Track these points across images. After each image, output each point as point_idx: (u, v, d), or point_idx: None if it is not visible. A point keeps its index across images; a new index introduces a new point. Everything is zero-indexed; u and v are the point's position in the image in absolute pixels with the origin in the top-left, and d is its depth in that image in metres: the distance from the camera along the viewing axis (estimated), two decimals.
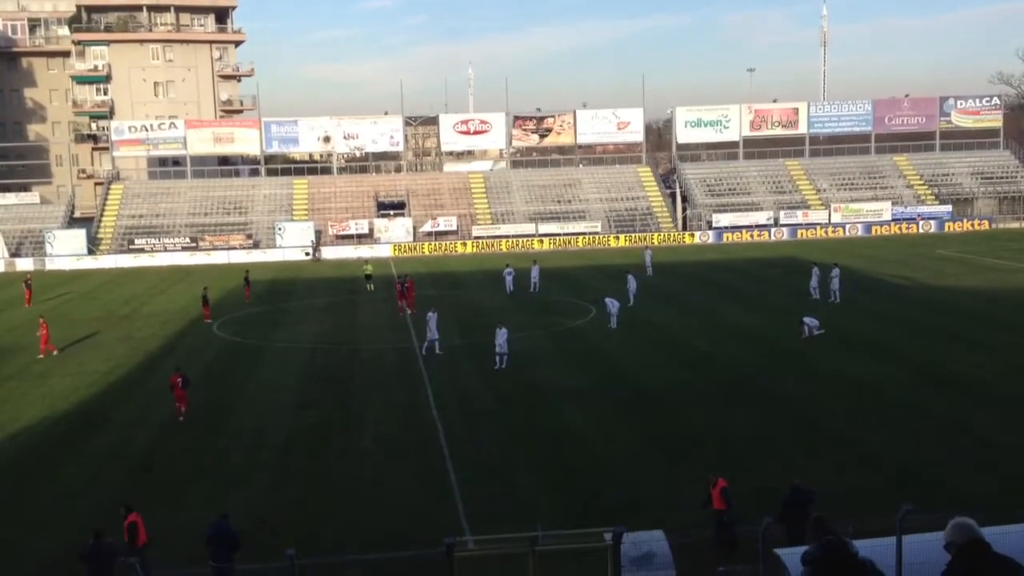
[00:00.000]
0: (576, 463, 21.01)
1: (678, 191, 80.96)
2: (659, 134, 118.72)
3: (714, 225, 74.46)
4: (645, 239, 71.87)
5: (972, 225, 74.01)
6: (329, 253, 71.42)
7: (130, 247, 72.16)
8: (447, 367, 31.59)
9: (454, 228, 75.29)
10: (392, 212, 77.13)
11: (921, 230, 72.95)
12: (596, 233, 74.02)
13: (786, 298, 43.04)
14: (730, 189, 79.83)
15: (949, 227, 73.42)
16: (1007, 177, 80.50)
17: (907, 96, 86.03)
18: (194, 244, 72.13)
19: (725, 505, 15.85)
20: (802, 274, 46.48)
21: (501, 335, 31.05)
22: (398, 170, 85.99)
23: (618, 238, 73.47)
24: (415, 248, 72.83)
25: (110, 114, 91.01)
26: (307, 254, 71.32)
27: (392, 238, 73.68)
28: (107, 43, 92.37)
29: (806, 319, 34.63)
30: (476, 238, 73.85)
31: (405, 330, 38.84)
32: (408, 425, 24.77)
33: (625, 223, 76.17)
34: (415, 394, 28.03)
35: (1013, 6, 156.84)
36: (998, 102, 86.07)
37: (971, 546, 5.79)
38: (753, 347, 32.98)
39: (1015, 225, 74.59)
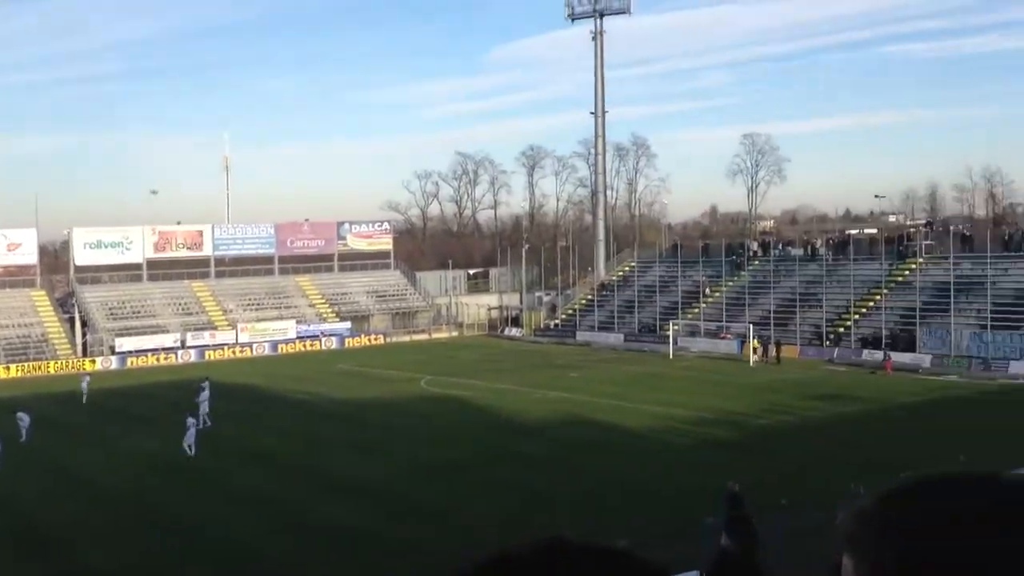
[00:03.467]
0: None
1: (77, 315, 76.43)
2: (56, 256, 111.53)
3: (117, 350, 71.31)
4: (84, 365, 66.59)
5: (370, 340, 79.42)
6: None
7: None
8: None
9: None
10: None
11: (324, 346, 76.56)
12: None
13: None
14: (134, 312, 77.27)
15: (349, 342, 78.00)
16: (398, 295, 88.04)
17: (307, 220, 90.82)
18: None
19: None
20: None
21: None
22: None
23: (8, 368, 67.05)
24: None
25: None
26: None
27: None
28: None
29: None
30: None
31: None
32: None
33: (17, 352, 69.86)
34: None
35: (401, 140, 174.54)
36: (388, 227, 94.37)
37: None
38: (156, 472, 31.80)
39: (407, 338, 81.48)
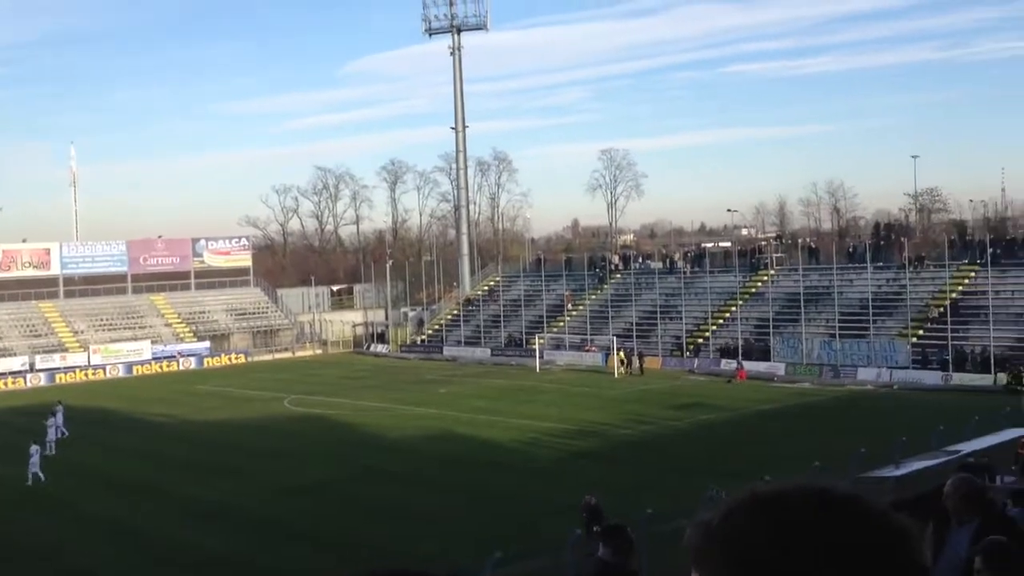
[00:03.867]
0: None
1: None
2: None
3: None
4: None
5: (230, 359, 77.50)
6: None
7: None
8: None
9: None
10: None
11: (182, 367, 74.31)
12: None
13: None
14: None
15: (208, 362, 75.94)
16: (259, 313, 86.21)
17: (161, 237, 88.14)
18: None
19: None
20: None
21: None
22: None
23: None
24: None
25: None
26: None
27: None
28: None
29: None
30: None
31: None
32: None
33: None
34: None
35: (259, 153, 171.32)
36: (246, 243, 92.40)
37: None
38: (2, 502, 30.25)
39: (268, 357, 79.80)
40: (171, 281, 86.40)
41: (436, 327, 79.47)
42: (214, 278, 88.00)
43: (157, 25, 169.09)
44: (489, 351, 71.56)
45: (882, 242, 70.80)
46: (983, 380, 47.72)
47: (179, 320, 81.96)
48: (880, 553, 1.26)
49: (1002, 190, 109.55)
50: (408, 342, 79.07)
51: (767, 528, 1.27)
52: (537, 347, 64.04)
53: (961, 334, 52.55)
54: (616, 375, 57.29)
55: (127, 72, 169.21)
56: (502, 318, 73.91)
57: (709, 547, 1.30)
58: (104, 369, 71.89)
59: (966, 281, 56.41)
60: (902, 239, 70.26)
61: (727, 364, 57.78)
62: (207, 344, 78.54)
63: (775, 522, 1.27)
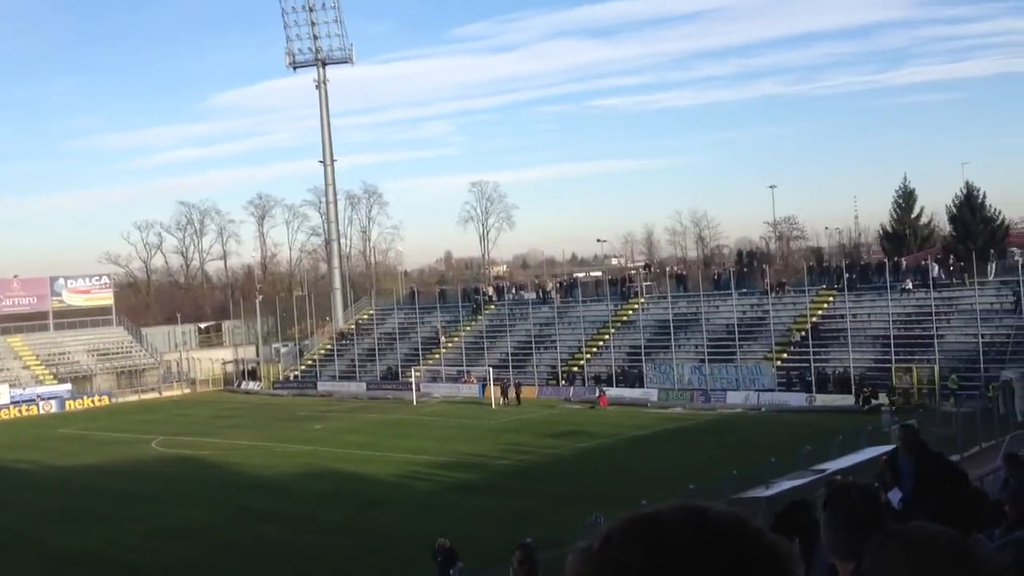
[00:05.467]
0: None
1: None
2: None
3: None
4: None
5: (93, 401, 74.59)
6: None
7: None
8: None
9: None
10: None
11: (42, 411, 71.16)
12: None
13: None
14: None
15: (70, 405, 72.89)
16: (123, 352, 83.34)
17: (16, 276, 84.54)
18: None
19: None
20: None
21: None
22: None
23: None
24: None
25: None
26: None
27: None
28: None
29: None
30: None
31: None
32: None
33: None
34: None
35: (118, 190, 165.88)
36: (107, 281, 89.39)
37: None
38: None
39: (134, 398, 77.13)
40: (28, 322, 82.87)
41: (309, 363, 78.32)
42: (74, 317, 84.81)
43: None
44: (365, 385, 70.89)
45: (745, 269, 73.17)
46: (844, 400, 49.74)
47: (38, 362, 78.58)
48: (755, 573, 1.30)
49: (855, 217, 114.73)
50: (281, 378, 77.66)
51: (644, 552, 1.29)
52: (413, 380, 63.78)
53: (822, 356, 54.74)
54: (494, 406, 57.48)
55: None
56: (377, 352, 73.36)
57: (589, 573, 1.33)
58: None
59: (825, 305, 58.84)
60: (764, 266, 72.88)
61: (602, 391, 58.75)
62: (68, 386, 75.47)
63: (651, 546, 1.30)
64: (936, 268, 56.51)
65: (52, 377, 76.74)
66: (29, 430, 60.24)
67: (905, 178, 78.96)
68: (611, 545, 1.32)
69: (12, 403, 71.09)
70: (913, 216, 77.83)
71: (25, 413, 70.49)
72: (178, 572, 25.64)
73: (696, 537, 1.30)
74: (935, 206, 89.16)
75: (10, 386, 72.80)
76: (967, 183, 70.59)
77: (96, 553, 27.85)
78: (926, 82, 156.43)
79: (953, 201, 71.03)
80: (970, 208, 69.37)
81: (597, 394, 56.57)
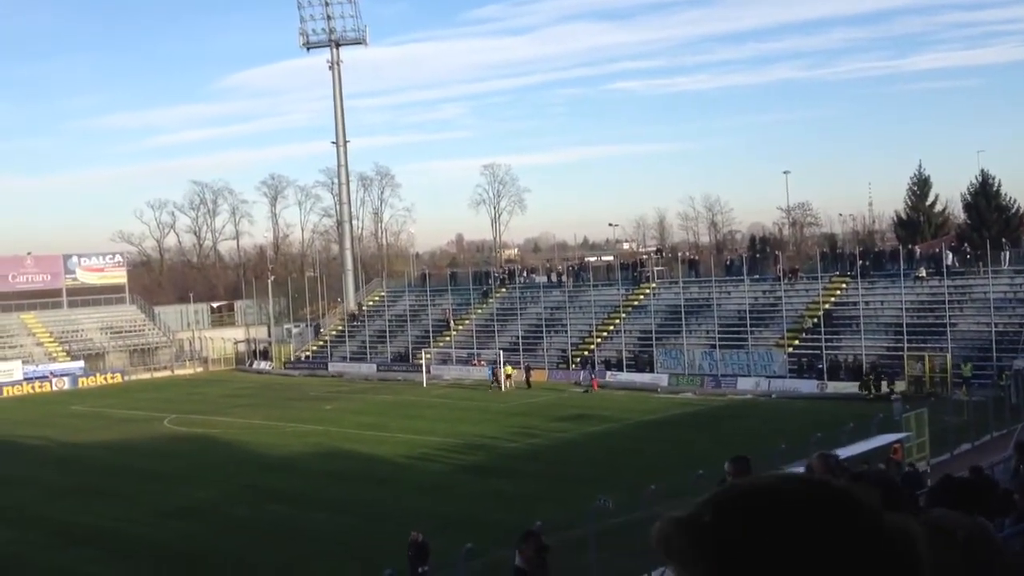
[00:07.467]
0: None
1: None
2: None
3: None
4: None
5: (106, 379, 74.97)
6: None
7: None
8: None
9: None
10: None
11: (55, 387, 71.61)
12: None
13: None
14: None
15: (83, 382, 73.31)
16: (136, 330, 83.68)
17: (30, 254, 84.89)
18: None
19: None
20: None
21: None
22: None
23: None
24: None
25: None
26: None
27: None
28: None
29: None
30: None
31: None
32: None
33: None
34: None
35: (132, 168, 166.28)
36: (121, 259, 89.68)
37: None
38: None
39: (146, 376, 77.51)
40: (42, 299, 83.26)
41: (321, 343, 78.52)
42: (87, 295, 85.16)
43: (17, 38, 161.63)
44: (375, 367, 71.04)
45: (758, 255, 73.00)
46: (856, 388, 49.59)
47: (51, 339, 78.99)
48: (886, 554, 1.21)
49: (869, 204, 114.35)
50: (292, 359, 77.89)
51: (760, 525, 1.20)
52: (423, 362, 63.91)
53: (834, 344, 54.60)
54: (503, 388, 57.56)
55: None
56: (387, 334, 73.49)
57: (700, 545, 1.23)
58: None
59: (838, 292, 58.64)
60: (776, 252, 72.68)
61: (611, 376, 58.79)
62: (81, 364, 75.88)
63: (769, 519, 1.21)
64: (950, 256, 56.29)
65: (65, 354, 77.13)
66: (42, 406, 60.63)
67: (920, 165, 78.65)
68: (731, 516, 1.23)
69: (25, 379, 71.53)
70: (928, 204, 77.49)
71: (38, 390, 70.92)
72: (187, 549, 25.80)
73: (820, 513, 1.21)
74: (950, 194, 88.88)
75: (23, 363, 73.24)
76: (982, 171, 70.32)
77: (106, 529, 28.02)
78: (943, 68, 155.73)
79: (968, 189, 70.74)
80: (985, 196, 69.01)
81: (589, 377, 57.48)
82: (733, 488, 1.28)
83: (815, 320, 56.44)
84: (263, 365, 78.46)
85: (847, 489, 1.25)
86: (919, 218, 75.85)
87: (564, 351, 64.04)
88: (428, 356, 65.25)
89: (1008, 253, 55.10)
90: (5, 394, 69.16)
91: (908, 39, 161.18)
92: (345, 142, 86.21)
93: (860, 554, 1.19)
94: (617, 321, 64.17)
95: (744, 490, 1.26)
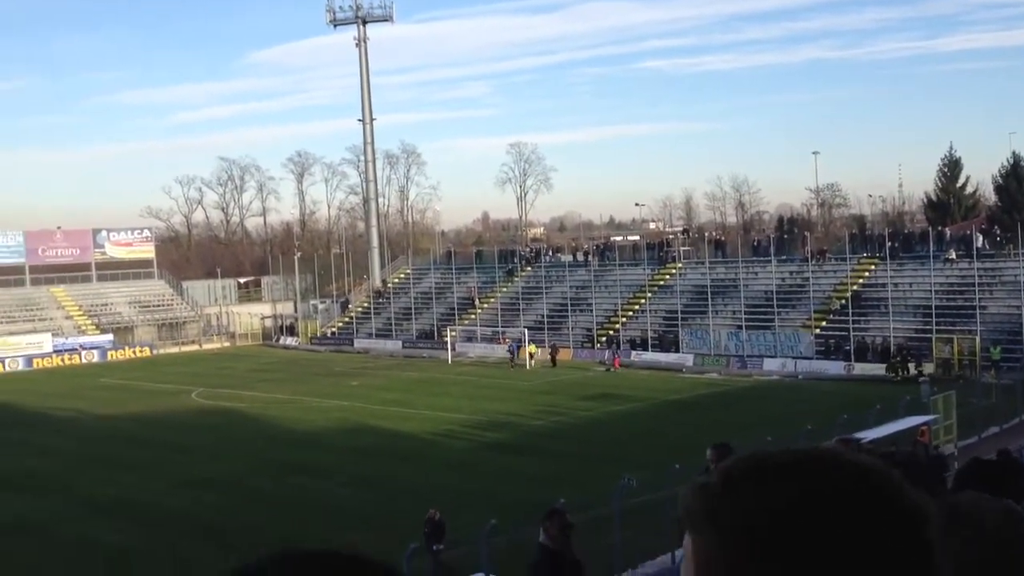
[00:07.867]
0: None
1: None
2: None
3: None
4: None
5: (135, 352, 75.66)
6: None
7: None
8: None
9: None
10: None
11: (84, 360, 72.35)
12: None
13: None
14: None
15: (112, 355, 74.02)
16: (163, 305, 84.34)
17: (60, 228, 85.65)
18: None
19: None
20: None
21: None
22: None
23: None
24: None
25: None
26: None
27: None
28: None
29: None
30: None
31: None
32: None
33: None
34: None
35: (160, 143, 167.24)
36: (149, 234, 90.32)
37: None
38: None
39: (174, 350, 78.15)
40: (71, 273, 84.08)
41: (347, 319, 78.84)
42: (116, 270, 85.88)
43: (43, 14, 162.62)
44: (401, 343, 71.29)
45: (785, 236, 72.48)
46: (883, 370, 49.24)
47: (81, 312, 79.76)
48: (898, 529, 1.18)
49: (899, 185, 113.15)
50: (319, 334, 78.28)
51: (775, 494, 1.18)
52: (449, 339, 64.04)
53: (862, 325, 54.20)
54: (527, 367, 57.61)
55: (14, 62, 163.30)
56: (413, 311, 73.67)
57: (709, 512, 1.22)
58: (3, 363, 69.59)
59: (866, 274, 58.17)
60: (804, 233, 72.13)
61: (636, 355, 58.68)
62: (110, 337, 76.61)
63: (784, 487, 1.19)
64: (980, 238, 55.64)
65: (94, 327, 77.87)
66: (72, 379, 61.31)
67: (951, 147, 78.00)
68: (740, 484, 1.21)
69: (55, 352, 72.35)
70: (958, 185, 76.62)
71: (68, 362, 71.73)
72: (211, 520, 26.02)
73: (829, 485, 1.18)
74: (981, 176, 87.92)
75: (53, 335, 74.04)
76: (1014, 153, 69.54)
77: (131, 500, 28.30)
78: (975, 49, 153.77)
79: (999, 171, 69.85)
80: (1016, 178, 68.16)
81: (611, 355, 57.33)
82: (747, 458, 1.25)
83: (843, 301, 56.04)
84: (290, 340, 78.90)
85: (862, 462, 1.23)
86: (949, 200, 75.04)
87: (589, 330, 63.97)
88: (453, 334, 65.39)
89: None
90: (35, 366, 70.02)
91: (940, 20, 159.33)
92: (371, 120, 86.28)
93: (871, 529, 1.16)
94: (643, 301, 63.97)
95: (757, 461, 1.24)
